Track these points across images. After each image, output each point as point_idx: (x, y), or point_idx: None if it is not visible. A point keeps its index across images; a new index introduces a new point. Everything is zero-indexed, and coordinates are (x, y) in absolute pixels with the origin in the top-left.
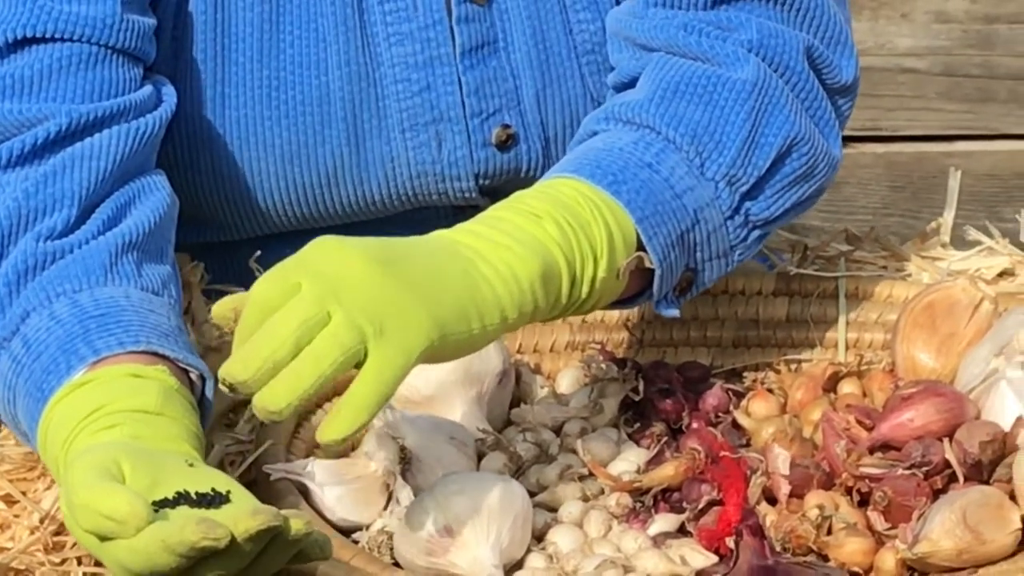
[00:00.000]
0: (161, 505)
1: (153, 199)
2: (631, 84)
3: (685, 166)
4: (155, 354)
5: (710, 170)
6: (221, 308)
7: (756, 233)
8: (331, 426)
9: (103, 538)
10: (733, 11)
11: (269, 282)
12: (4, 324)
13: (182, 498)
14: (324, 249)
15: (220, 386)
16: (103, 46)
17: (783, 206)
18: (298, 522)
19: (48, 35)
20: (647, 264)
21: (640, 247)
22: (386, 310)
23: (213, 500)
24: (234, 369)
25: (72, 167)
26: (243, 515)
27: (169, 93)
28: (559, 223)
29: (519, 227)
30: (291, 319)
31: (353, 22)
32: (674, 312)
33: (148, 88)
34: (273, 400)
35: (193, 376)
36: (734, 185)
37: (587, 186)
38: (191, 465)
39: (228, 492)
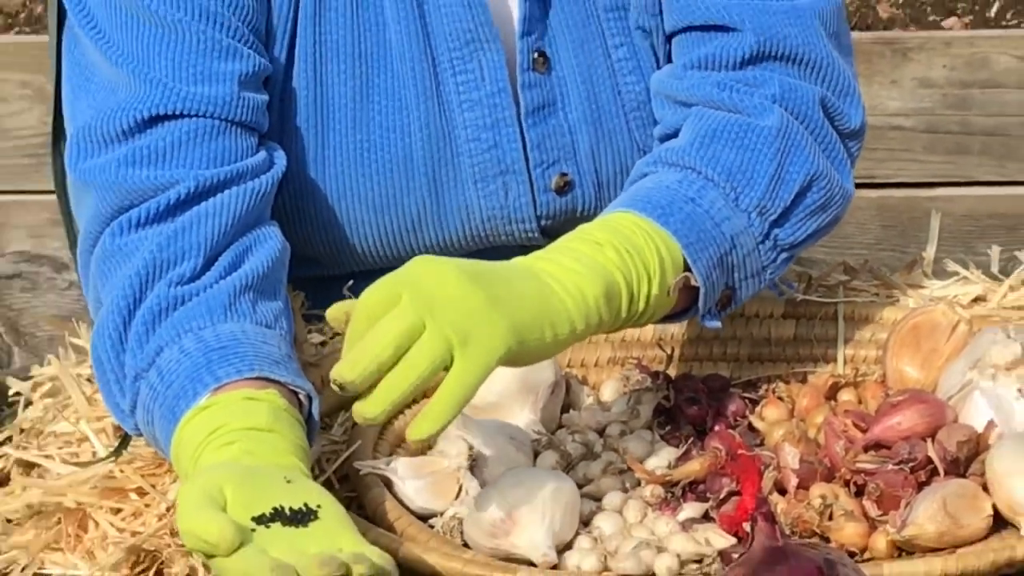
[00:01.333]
0: (259, 521)
1: (267, 247)
2: (674, 135)
3: (722, 199)
4: (267, 379)
5: (743, 202)
6: (335, 311)
7: (784, 255)
8: (419, 425)
9: (207, 555)
10: (758, 71)
11: (376, 292)
12: (142, 357)
13: (277, 514)
14: (423, 266)
15: (332, 385)
16: (223, 120)
17: (806, 232)
18: (360, 568)
19: (177, 112)
20: (693, 283)
21: (686, 268)
22: (472, 321)
23: (304, 517)
24: (344, 370)
25: (198, 223)
26: (313, 564)
27: (279, 156)
28: (618, 250)
29: (585, 254)
30: (393, 328)
31: (431, 92)
32: (716, 324)
33: (262, 154)
34: (370, 408)
35: (301, 396)
36: (764, 215)
37: (641, 218)
38: (289, 481)
39: (319, 507)
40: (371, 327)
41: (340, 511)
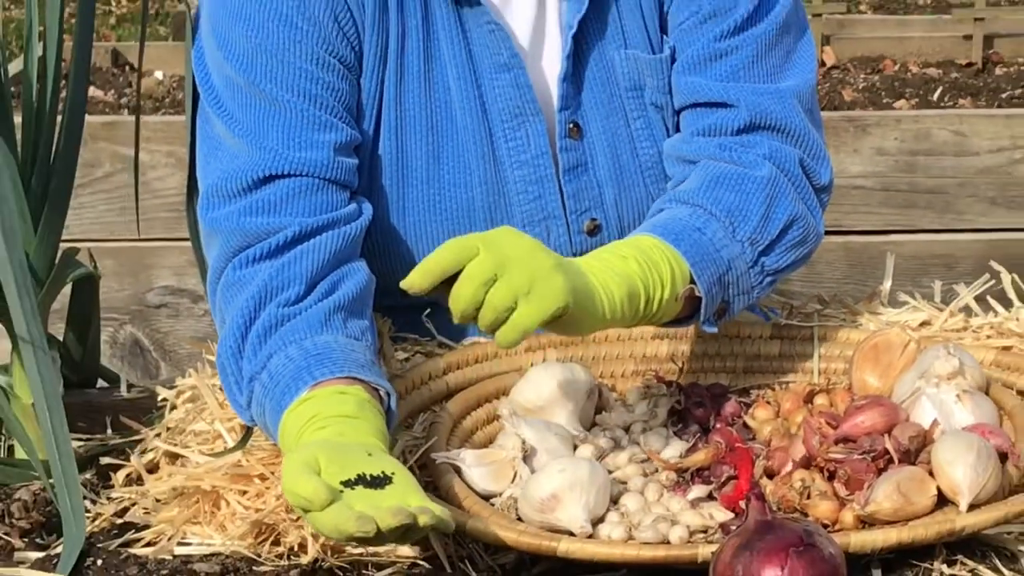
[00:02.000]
0: (346, 484)
1: (356, 278)
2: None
3: (723, 231)
4: (354, 378)
5: (739, 234)
6: (410, 278)
7: (768, 279)
8: (501, 338)
9: (304, 510)
10: (751, 136)
11: (458, 242)
12: (256, 363)
13: (360, 479)
14: (503, 231)
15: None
16: (321, 179)
17: (786, 261)
18: (424, 518)
19: (284, 173)
20: (697, 293)
21: (692, 282)
22: (538, 276)
23: (381, 481)
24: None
25: (300, 259)
26: (388, 512)
27: (367, 208)
28: (640, 262)
29: (613, 264)
30: (474, 280)
31: (488, 155)
32: (713, 330)
33: (353, 205)
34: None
35: (382, 393)
36: (755, 245)
37: (659, 240)
38: (370, 454)
39: (393, 474)
40: (441, 264)
41: (410, 477)
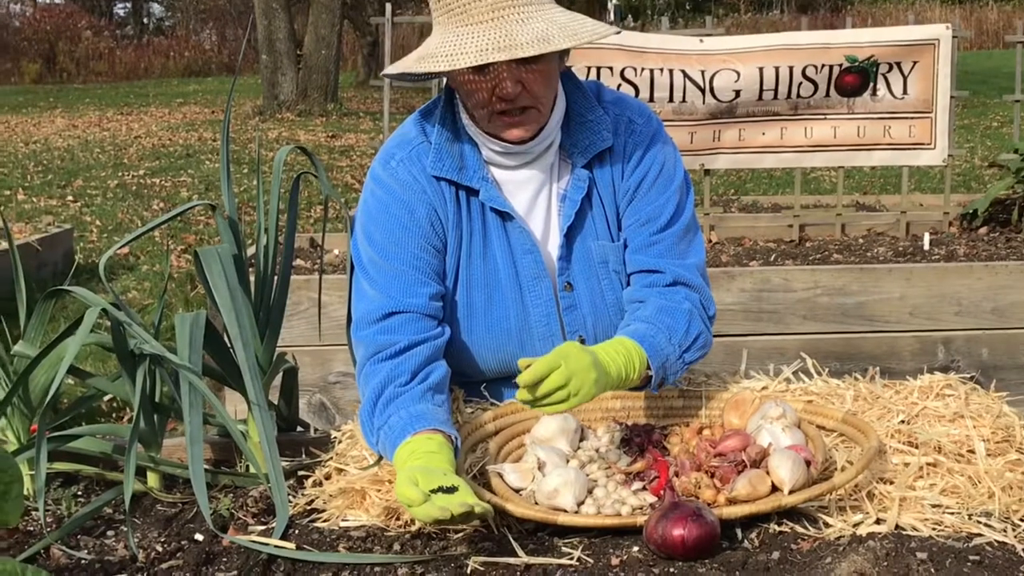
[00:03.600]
0: (432, 491)
1: (440, 371)
2: None
3: (664, 339)
4: (437, 430)
5: (672, 341)
6: (526, 376)
7: (685, 366)
8: (550, 411)
9: (408, 506)
10: (674, 288)
11: (547, 360)
12: (381, 420)
13: (440, 488)
14: (573, 348)
15: (518, 401)
16: (421, 314)
17: (695, 357)
18: (478, 509)
19: (399, 310)
20: (649, 373)
21: (648, 366)
22: (585, 379)
23: (452, 490)
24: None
25: (408, 360)
26: (456, 505)
27: (447, 330)
28: (623, 355)
29: (610, 355)
30: (553, 385)
31: (519, 301)
32: (656, 392)
33: (439, 329)
34: (544, 410)
35: (452, 438)
36: (680, 347)
37: (632, 341)
38: (445, 474)
39: (458, 485)
40: (541, 373)
41: (468, 487)
